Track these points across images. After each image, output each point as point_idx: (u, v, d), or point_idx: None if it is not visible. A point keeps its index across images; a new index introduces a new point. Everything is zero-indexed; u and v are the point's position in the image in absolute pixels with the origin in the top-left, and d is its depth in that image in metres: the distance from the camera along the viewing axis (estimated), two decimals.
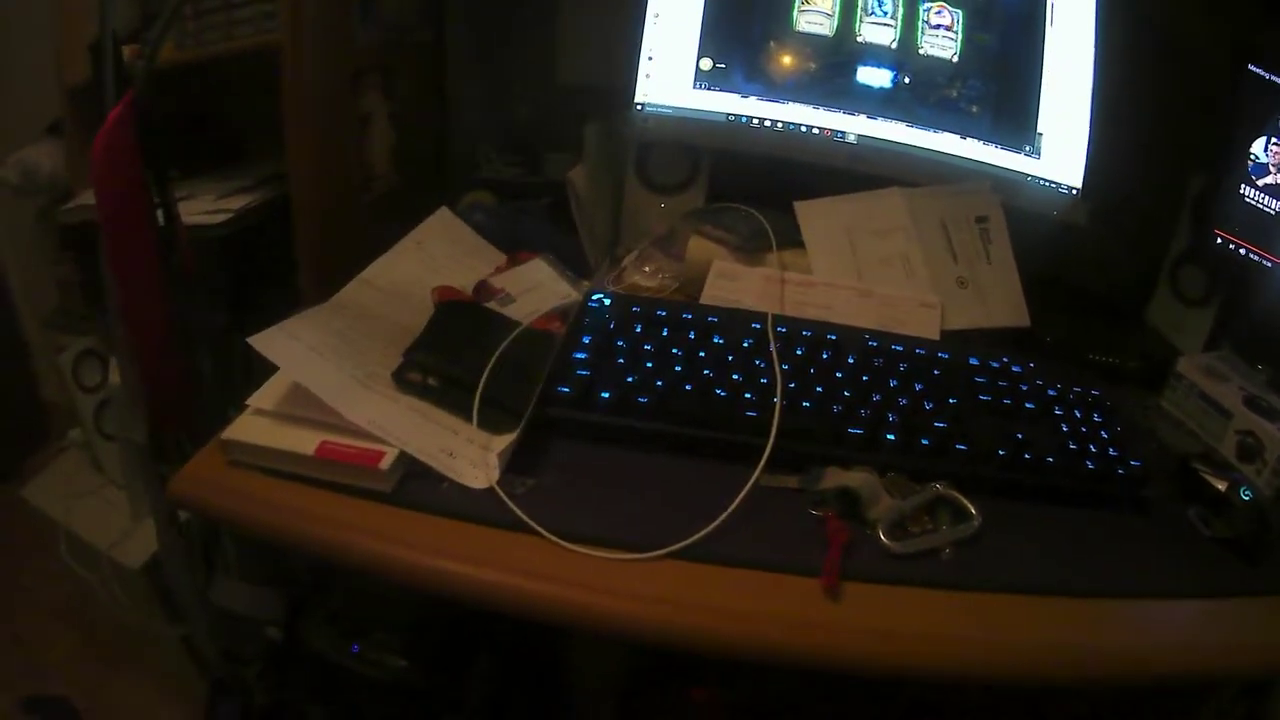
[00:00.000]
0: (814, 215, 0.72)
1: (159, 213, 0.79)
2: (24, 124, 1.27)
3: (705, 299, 0.68)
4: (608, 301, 0.64)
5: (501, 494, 0.50)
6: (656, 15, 0.78)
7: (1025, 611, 0.49)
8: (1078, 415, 0.61)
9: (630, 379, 0.57)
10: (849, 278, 0.69)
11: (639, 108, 0.79)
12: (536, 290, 0.70)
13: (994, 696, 0.70)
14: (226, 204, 0.99)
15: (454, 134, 1.04)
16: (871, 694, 0.79)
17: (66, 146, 1.14)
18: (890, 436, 0.56)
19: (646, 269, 0.72)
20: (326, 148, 0.90)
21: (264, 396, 0.56)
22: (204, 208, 0.97)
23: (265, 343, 0.55)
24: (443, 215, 0.79)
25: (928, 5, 0.78)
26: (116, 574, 1.15)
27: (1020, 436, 0.57)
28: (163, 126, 0.79)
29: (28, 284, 1.59)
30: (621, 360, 0.59)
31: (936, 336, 0.67)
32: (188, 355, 0.87)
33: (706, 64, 0.78)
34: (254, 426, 0.54)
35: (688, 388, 0.57)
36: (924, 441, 0.56)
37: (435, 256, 0.76)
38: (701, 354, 0.59)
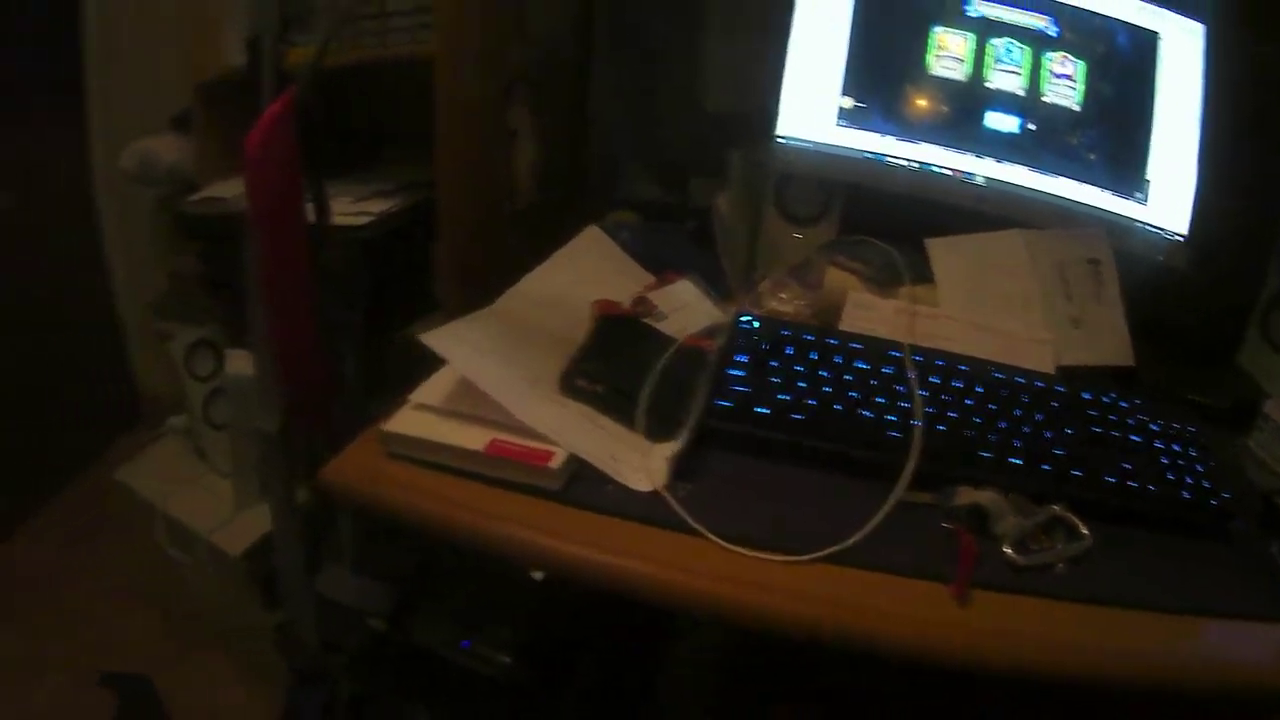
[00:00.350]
0: (944, 252, 0.77)
1: (309, 210, 0.82)
2: (142, 116, 1.31)
3: (842, 327, 0.74)
4: (756, 324, 0.70)
5: (667, 496, 0.55)
6: (801, 53, 0.83)
7: (1128, 622, 0.54)
8: (1176, 449, 0.67)
9: (784, 396, 0.63)
10: (973, 313, 0.75)
11: (781, 140, 0.84)
12: (685, 309, 0.76)
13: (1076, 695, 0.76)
14: (366, 207, 1.02)
15: (595, 152, 1.07)
16: (949, 689, 0.84)
17: (195, 140, 1.18)
18: (1016, 461, 0.62)
19: (782, 295, 0.77)
20: (476, 159, 0.94)
21: (427, 392, 0.58)
22: (344, 209, 1.00)
23: (437, 341, 0.58)
24: (593, 233, 0.84)
25: (1051, 55, 0.82)
26: (214, 559, 1.17)
27: (1128, 466, 0.63)
28: (321, 125, 0.85)
29: (133, 271, 1.62)
30: (775, 379, 0.65)
31: (1051, 371, 0.72)
32: (331, 354, 0.90)
33: (848, 102, 0.83)
34: (417, 420, 0.57)
35: (837, 408, 0.63)
36: (1044, 467, 0.62)
37: (585, 272, 0.80)
38: (847, 377, 0.65)
